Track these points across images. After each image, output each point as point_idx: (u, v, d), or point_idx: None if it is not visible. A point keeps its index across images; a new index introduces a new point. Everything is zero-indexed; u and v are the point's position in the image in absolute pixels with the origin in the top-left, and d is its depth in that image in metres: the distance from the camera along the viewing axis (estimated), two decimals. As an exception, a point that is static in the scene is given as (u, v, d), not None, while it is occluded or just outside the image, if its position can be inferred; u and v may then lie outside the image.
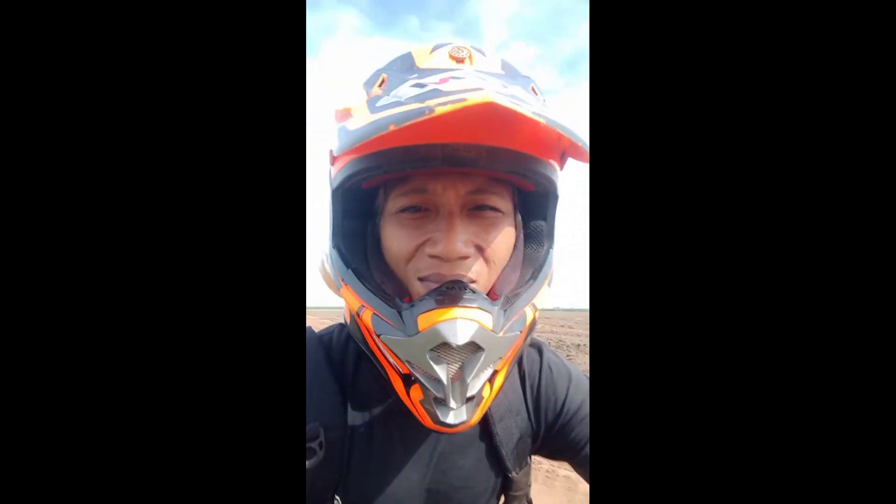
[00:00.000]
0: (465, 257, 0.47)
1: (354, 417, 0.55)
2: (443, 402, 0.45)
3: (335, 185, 0.51)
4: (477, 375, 0.45)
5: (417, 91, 0.42)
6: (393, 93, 0.44)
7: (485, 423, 0.57)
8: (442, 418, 0.46)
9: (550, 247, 0.56)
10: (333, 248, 0.53)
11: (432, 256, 0.48)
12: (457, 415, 0.46)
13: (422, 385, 0.46)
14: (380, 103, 0.44)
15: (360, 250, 0.53)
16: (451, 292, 0.46)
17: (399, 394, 0.51)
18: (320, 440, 0.52)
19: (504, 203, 0.52)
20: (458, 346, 0.43)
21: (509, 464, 0.58)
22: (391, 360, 0.48)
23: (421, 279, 0.49)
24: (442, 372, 0.44)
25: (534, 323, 0.53)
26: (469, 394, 0.45)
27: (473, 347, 0.45)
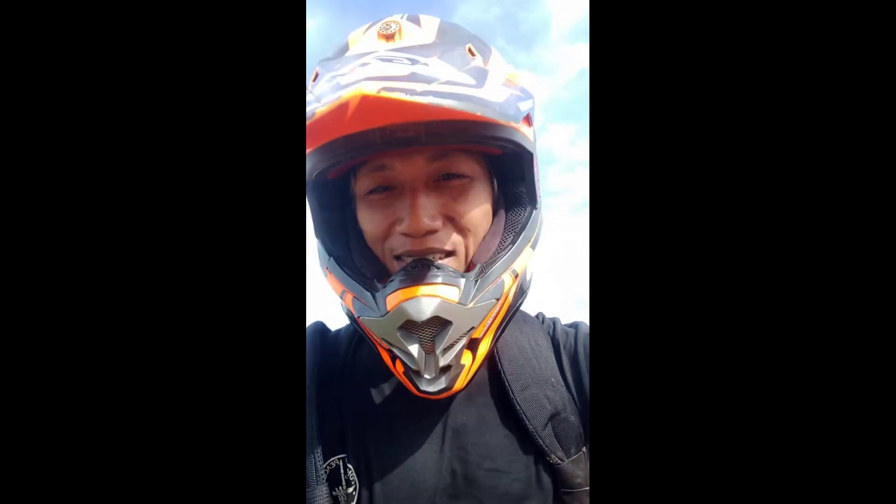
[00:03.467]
0: (434, 231, 0.48)
1: (352, 389, 0.56)
2: (418, 374, 0.46)
3: (309, 178, 0.52)
4: (448, 347, 0.46)
5: (329, 87, 0.41)
6: (316, 91, 0.43)
7: (503, 393, 0.52)
8: (420, 388, 0.47)
9: (534, 208, 0.54)
10: (318, 240, 0.55)
11: (403, 234, 0.48)
12: (435, 384, 0.46)
13: (399, 360, 0.47)
14: (309, 103, 0.43)
15: (342, 238, 0.54)
16: (414, 272, 0.47)
17: (389, 367, 0.51)
18: None
19: (471, 167, 0.51)
20: (424, 322, 0.45)
21: (544, 444, 0.49)
22: (376, 337, 0.49)
23: (396, 257, 0.50)
24: (413, 347, 0.46)
25: (518, 290, 0.52)
26: (442, 364, 0.46)
27: (440, 322, 0.46)
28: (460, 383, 0.48)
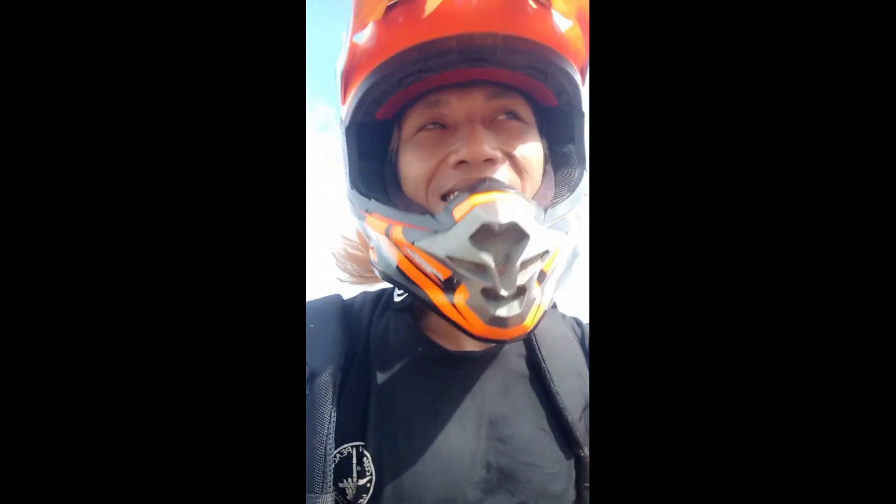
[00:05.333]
0: (492, 160, 0.44)
1: (376, 369, 0.49)
2: (492, 292, 0.41)
3: (348, 121, 0.49)
4: (525, 266, 0.41)
5: None
6: None
7: (542, 380, 0.50)
8: (493, 311, 0.40)
9: (584, 170, 0.51)
10: (351, 188, 0.51)
11: (457, 165, 0.45)
12: (509, 306, 0.41)
13: (466, 282, 0.41)
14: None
15: (379, 186, 0.50)
16: (482, 185, 0.43)
17: (442, 310, 0.44)
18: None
19: (527, 113, 0.49)
20: (501, 230, 0.40)
21: (579, 436, 0.47)
22: (429, 268, 0.43)
23: (444, 196, 0.46)
24: (487, 257, 0.40)
25: (573, 251, 0.48)
26: (519, 282, 0.40)
27: (517, 235, 0.41)
28: (530, 320, 0.42)
